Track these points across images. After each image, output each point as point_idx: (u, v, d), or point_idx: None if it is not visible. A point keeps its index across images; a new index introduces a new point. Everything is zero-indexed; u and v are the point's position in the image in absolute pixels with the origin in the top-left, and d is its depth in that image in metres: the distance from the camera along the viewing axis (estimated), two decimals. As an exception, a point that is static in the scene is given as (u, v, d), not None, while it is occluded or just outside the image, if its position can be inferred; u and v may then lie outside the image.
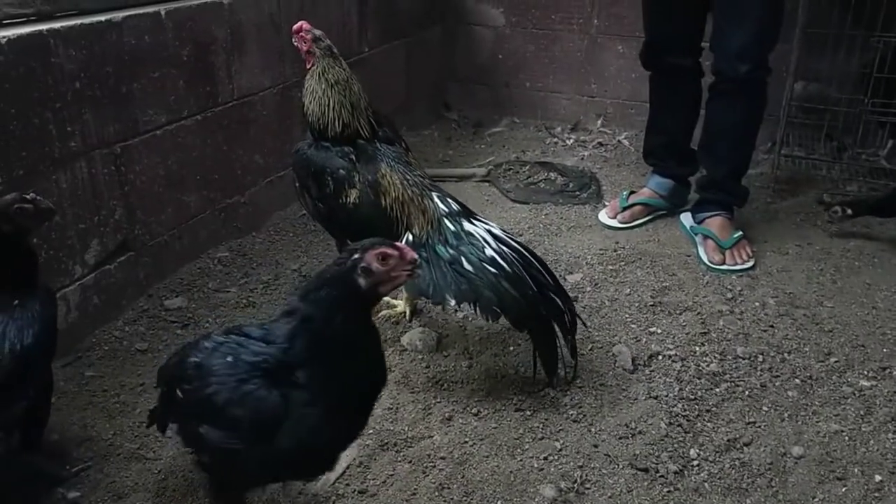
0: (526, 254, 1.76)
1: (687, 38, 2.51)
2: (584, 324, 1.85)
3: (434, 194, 1.82)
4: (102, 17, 1.91)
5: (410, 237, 1.76)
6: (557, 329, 1.74)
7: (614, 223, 2.64)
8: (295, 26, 1.86)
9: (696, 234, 2.50)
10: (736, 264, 2.34)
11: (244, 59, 2.42)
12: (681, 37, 2.51)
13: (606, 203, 2.80)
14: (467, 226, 1.77)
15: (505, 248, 1.73)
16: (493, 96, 3.80)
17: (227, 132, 2.39)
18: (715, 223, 2.45)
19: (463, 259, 1.70)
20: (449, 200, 1.82)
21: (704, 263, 2.37)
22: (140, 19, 2.01)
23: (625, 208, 2.65)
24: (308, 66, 1.84)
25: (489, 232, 1.76)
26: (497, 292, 1.66)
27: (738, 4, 2.24)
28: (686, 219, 2.62)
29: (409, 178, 1.81)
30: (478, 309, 1.68)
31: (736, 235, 2.40)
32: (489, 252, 1.71)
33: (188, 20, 2.17)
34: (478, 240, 1.74)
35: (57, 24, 1.80)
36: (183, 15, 2.15)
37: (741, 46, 2.25)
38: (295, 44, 1.87)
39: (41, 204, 1.38)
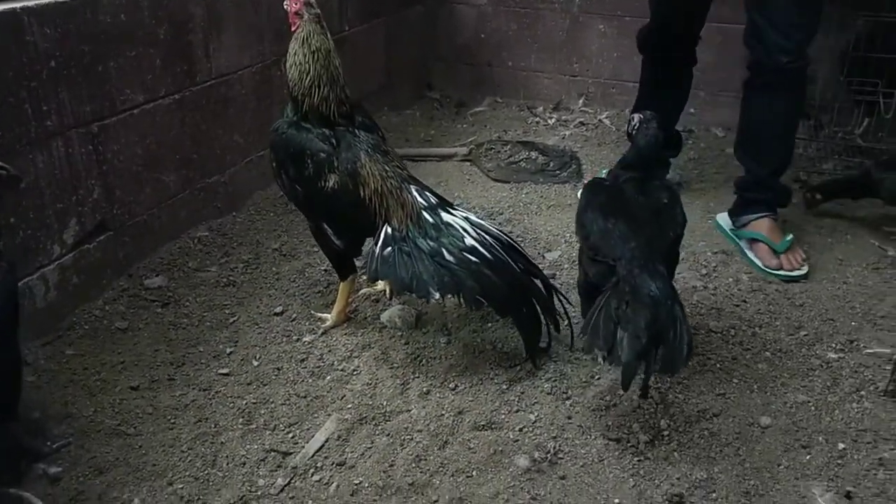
0: (504, 237, 1.79)
1: (695, 27, 2.50)
2: (567, 300, 1.88)
3: (412, 187, 1.82)
4: (77, -5, 1.90)
5: (389, 230, 1.76)
6: (539, 311, 1.77)
7: (593, 201, 2.65)
8: None
9: (740, 239, 2.37)
10: (793, 269, 2.21)
11: (222, 37, 2.41)
12: (690, 26, 2.49)
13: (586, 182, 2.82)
14: (446, 216, 1.77)
15: (486, 235, 1.75)
16: (476, 76, 3.80)
17: (206, 111, 2.38)
18: (763, 226, 2.31)
19: (444, 251, 1.71)
20: (427, 194, 1.82)
21: (760, 269, 2.25)
22: (115, -3, 2.00)
23: (604, 187, 2.67)
24: (293, 30, 1.81)
25: (467, 220, 1.78)
26: (479, 281, 1.68)
27: None
28: (723, 220, 2.50)
29: (387, 169, 1.80)
30: (462, 299, 1.71)
31: (788, 238, 2.27)
32: (469, 241, 1.72)
33: (164, -2, 2.16)
34: (457, 230, 1.74)
35: (31, 2, 1.79)
36: (159, -8, 2.14)
37: (781, 36, 2.15)
38: (285, 6, 1.82)
39: (8, 171, 1.40)
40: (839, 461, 1.56)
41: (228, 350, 1.88)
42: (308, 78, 1.78)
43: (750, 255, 2.32)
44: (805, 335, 1.95)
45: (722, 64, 3.15)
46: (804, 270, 2.23)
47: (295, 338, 1.94)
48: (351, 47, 3.11)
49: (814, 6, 2.19)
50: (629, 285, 1.53)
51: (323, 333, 1.95)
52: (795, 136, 2.42)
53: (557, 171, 2.93)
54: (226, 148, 2.51)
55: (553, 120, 3.53)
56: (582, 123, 3.47)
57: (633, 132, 1.83)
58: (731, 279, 2.21)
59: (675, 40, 2.54)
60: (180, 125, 2.29)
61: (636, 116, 1.84)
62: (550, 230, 2.48)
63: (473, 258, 1.69)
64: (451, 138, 3.33)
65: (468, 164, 3.06)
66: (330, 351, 1.89)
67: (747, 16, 2.26)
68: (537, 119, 3.55)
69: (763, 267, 2.25)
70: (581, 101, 3.63)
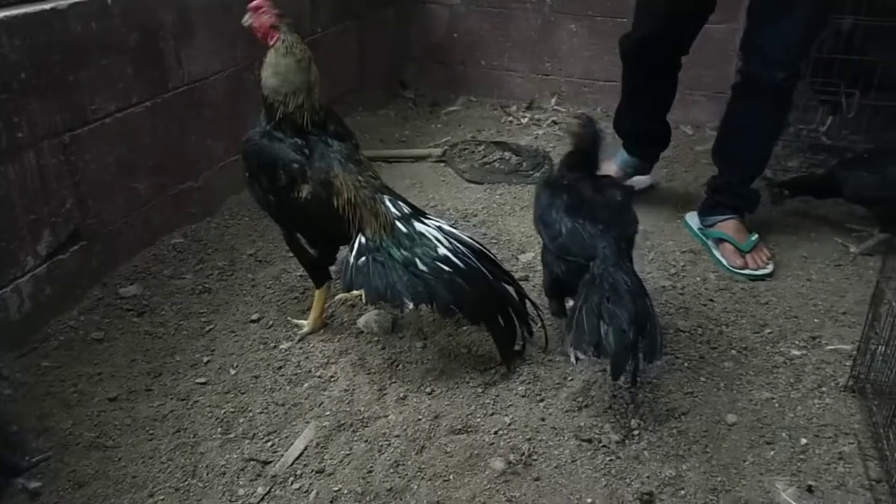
0: (476, 245, 1.82)
1: (686, 39, 2.44)
2: (536, 308, 1.92)
3: (385, 197, 1.83)
4: (47, 6, 1.88)
5: (363, 240, 1.78)
6: (512, 317, 1.81)
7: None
8: (254, 3, 1.82)
9: (707, 238, 2.43)
10: (758, 268, 2.27)
11: (194, 43, 2.40)
12: (681, 37, 2.43)
13: (559, 182, 2.85)
14: (419, 226, 1.80)
15: (458, 244, 1.78)
16: (449, 75, 3.82)
17: (179, 117, 2.38)
18: (729, 227, 2.37)
19: (417, 260, 1.73)
20: (400, 203, 1.84)
21: (726, 268, 2.30)
22: (86, 6, 1.99)
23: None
24: (272, 42, 1.79)
25: (440, 229, 1.80)
26: (452, 290, 1.72)
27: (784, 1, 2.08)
28: (692, 219, 2.54)
29: (361, 179, 1.81)
30: (434, 308, 1.75)
31: (753, 238, 2.33)
32: (442, 251, 1.75)
33: (135, 5, 2.15)
34: (430, 239, 1.77)
35: (0, 14, 1.78)
36: (130, 0, 2.12)
37: (782, 49, 2.13)
38: (250, 22, 1.81)
39: None
40: (801, 456, 1.63)
41: (205, 359, 1.89)
42: (288, 86, 1.77)
43: (717, 254, 2.37)
44: (770, 333, 2.01)
45: (693, 63, 3.16)
46: (769, 269, 2.29)
47: (272, 345, 1.95)
48: (324, 49, 3.11)
49: (823, 24, 2.20)
50: (608, 283, 1.63)
51: (300, 340, 1.97)
52: (773, 147, 2.44)
53: (531, 172, 2.97)
54: (199, 153, 2.50)
55: (526, 119, 3.56)
56: (555, 122, 3.51)
57: (575, 135, 1.90)
58: (698, 278, 2.26)
59: (670, 53, 2.47)
60: (153, 132, 2.28)
61: (574, 121, 1.91)
62: (524, 231, 2.52)
63: (446, 267, 1.72)
64: (425, 138, 3.36)
65: (442, 164, 3.08)
66: (307, 358, 1.91)
67: (750, 23, 2.22)
68: (511, 118, 3.58)
69: (729, 266, 2.31)
70: (554, 101, 3.67)
